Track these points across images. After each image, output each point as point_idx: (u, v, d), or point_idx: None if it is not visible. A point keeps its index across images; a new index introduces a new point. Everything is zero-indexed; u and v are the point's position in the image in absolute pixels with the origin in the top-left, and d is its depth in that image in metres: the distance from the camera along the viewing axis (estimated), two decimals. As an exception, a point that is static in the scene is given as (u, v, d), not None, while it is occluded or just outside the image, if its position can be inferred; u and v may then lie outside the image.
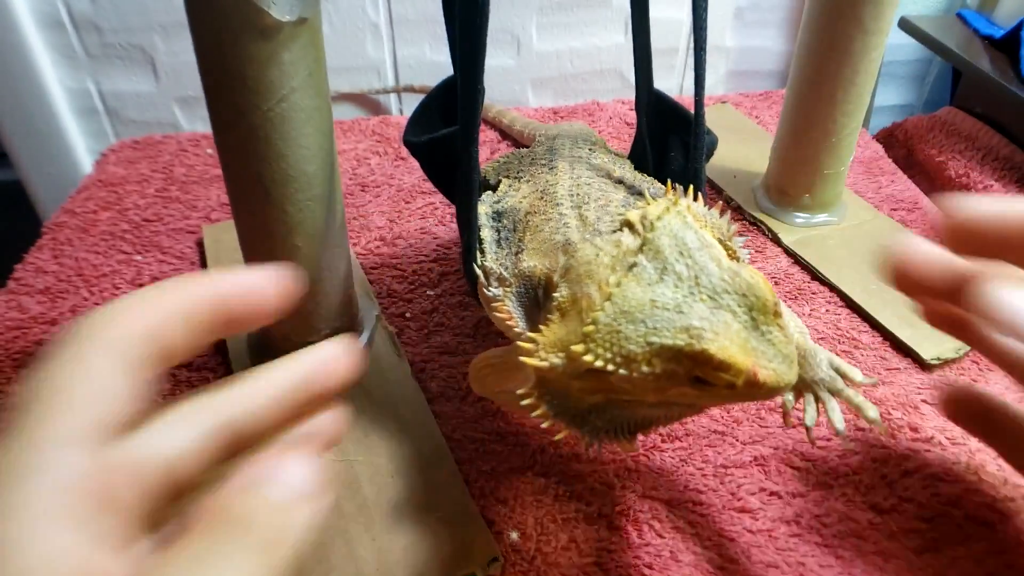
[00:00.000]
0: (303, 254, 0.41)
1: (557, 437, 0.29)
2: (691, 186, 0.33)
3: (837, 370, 0.33)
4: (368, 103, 0.82)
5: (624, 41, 0.80)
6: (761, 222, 0.60)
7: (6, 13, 0.67)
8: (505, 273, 0.34)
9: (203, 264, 0.57)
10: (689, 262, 0.26)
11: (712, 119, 0.74)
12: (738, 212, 0.62)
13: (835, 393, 0.33)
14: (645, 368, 0.25)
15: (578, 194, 0.36)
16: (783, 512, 0.38)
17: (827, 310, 0.51)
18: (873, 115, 0.88)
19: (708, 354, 0.24)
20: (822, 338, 0.49)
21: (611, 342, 0.25)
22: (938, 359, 0.46)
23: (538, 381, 0.27)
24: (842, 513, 0.38)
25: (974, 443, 0.41)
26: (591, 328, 0.26)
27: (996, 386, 0.45)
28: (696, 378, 0.25)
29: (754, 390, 0.25)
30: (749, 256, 0.35)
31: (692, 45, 0.83)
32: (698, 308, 0.25)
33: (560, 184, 0.37)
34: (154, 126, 0.78)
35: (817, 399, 0.33)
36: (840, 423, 0.32)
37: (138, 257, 0.58)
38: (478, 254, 0.36)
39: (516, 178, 0.42)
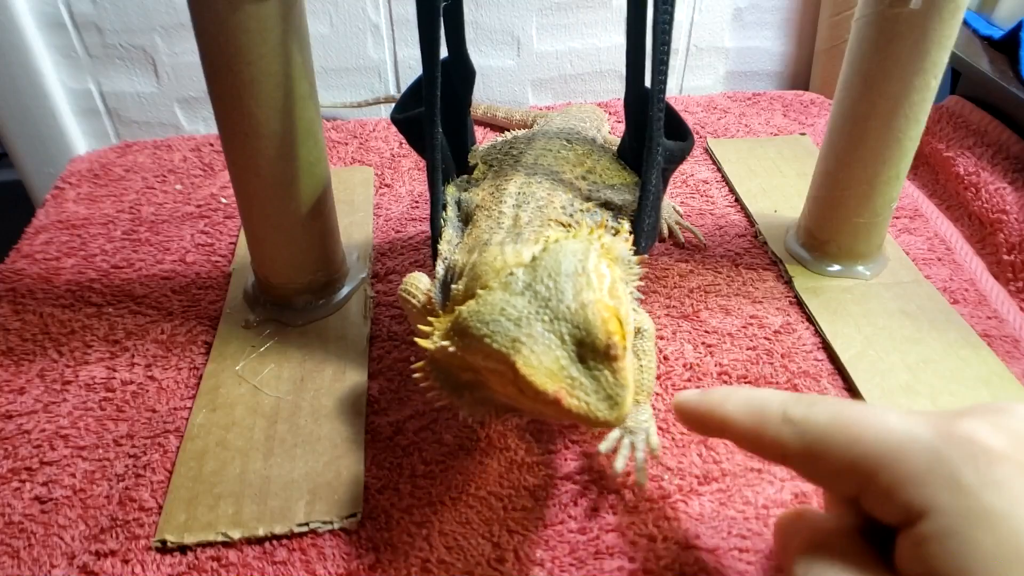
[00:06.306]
0: (277, 207, 0.46)
1: (438, 404, 0.33)
2: (624, 225, 0.38)
3: (647, 432, 0.38)
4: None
5: (624, 42, 0.80)
6: (780, 262, 0.55)
7: (7, 13, 0.67)
8: (447, 259, 0.38)
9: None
10: (551, 284, 0.28)
11: (783, 148, 0.70)
12: (762, 248, 0.57)
13: (634, 440, 0.38)
14: (481, 361, 0.29)
15: (524, 192, 0.39)
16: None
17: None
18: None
19: (516, 366, 0.27)
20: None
21: (463, 335, 0.29)
22: None
23: (430, 359, 0.32)
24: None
25: None
26: (455, 319, 0.30)
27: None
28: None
29: (568, 415, 0.27)
30: (639, 300, 0.39)
31: (687, 46, 0.83)
32: (534, 326, 0.28)
33: (513, 181, 0.40)
34: (155, 126, 0.78)
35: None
36: (620, 464, 0.37)
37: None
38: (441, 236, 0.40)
39: (489, 165, 0.44)
